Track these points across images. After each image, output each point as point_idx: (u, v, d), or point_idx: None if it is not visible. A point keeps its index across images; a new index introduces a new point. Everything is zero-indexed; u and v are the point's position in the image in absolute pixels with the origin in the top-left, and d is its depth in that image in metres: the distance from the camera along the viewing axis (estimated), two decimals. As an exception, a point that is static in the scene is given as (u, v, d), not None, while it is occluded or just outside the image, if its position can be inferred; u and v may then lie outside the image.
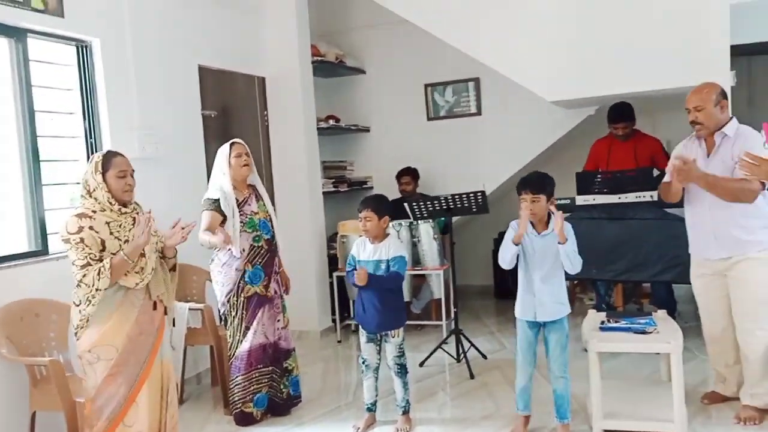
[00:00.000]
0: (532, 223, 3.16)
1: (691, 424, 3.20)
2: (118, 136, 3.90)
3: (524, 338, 3.21)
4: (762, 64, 5.58)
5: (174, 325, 3.13)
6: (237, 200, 3.58)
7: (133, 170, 2.84)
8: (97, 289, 2.65)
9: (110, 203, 2.75)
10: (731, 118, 3.29)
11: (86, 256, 2.66)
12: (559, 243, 3.04)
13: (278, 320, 3.71)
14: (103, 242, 2.70)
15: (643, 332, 3.20)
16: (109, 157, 2.80)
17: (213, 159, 4.71)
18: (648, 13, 4.39)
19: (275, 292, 3.71)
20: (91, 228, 2.68)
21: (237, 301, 3.59)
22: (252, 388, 3.61)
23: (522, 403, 3.28)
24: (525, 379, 3.23)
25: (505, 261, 3.18)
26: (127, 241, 2.76)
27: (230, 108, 5.06)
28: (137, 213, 2.87)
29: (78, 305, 2.71)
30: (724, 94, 3.28)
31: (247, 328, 3.59)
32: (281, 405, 3.72)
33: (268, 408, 3.68)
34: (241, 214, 3.56)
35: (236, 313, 3.59)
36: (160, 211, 4.19)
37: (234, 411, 3.62)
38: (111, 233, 2.73)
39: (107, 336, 2.70)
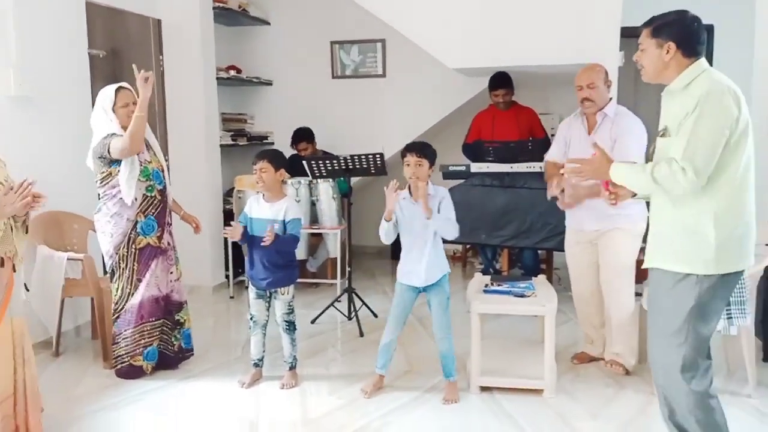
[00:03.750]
0: (409, 191, 3.23)
1: (560, 381, 3.42)
2: (-9, 70, 3.58)
3: (400, 300, 3.31)
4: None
5: (27, 290, 2.92)
6: None
7: None
8: None
9: None
10: (610, 99, 3.50)
11: None
12: (426, 218, 3.12)
13: (171, 272, 3.65)
14: None
15: (522, 296, 3.38)
16: None
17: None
18: (550, -10, 4.53)
19: (168, 244, 3.62)
20: None
21: (128, 252, 3.47)
22: (143, 341, 3.54)
23: (381, 360, 3.36)
24: (389, 337, 3.32)
25: (383, 236, 3.26)
26: None
27: (121, 49, 4.76)
28: None
29: None
30: (608, 75, 3.51)
31: (139, 281, 3.50)
32: (172, 358, 3.67)
33: (158, 361, 3.61)
34: None
35: (126, 265, 3.48)
36: (39, 153, 3.95)
37: (121, 365, 3.52)
38: None
39: None
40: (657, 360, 2.39)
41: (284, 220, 3.32)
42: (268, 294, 3.42)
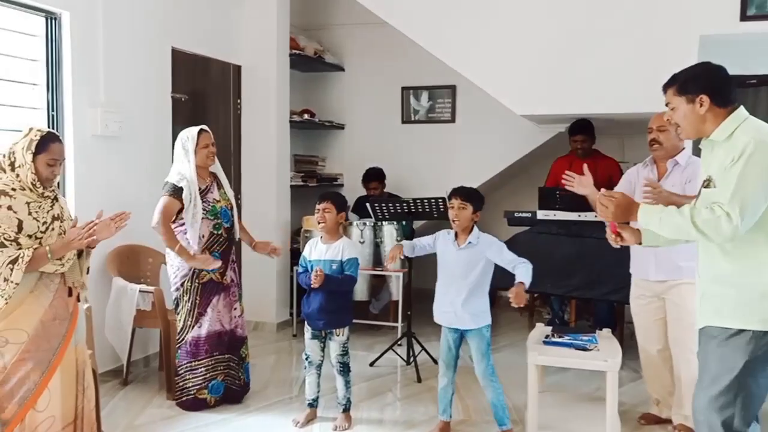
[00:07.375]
0: (456, 234, 3.22)
1: (623, 441, 3.25)
2: (80, 111, 3.86)
3: (444, 341, 3.29)
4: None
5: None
6: (199, 188, 3.57)
7: (65, 159, 2.73)
8: (5, 280, 2.51)
9: (33, 185, 2.60)
10: (684, 149, 3.37)
11: (0, 235, 2.53)
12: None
13: (235, 308, 3.74)
14: (20, 222, 2.57)
15: (584, 349, 3.25)
16: (47, 140, 2.62)
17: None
18: (621, 39, 4.44)
19: (232, 280, 3.72)
20: (9, 208, 2.54)
21: (191, 286, 3.59)
22: (208, 375, 3.63)
23: (441, 406, 3.33)
24: (443, 382, 3.30)
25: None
26: (45, 222, 2.64)
27: (202, 93, 5.03)
28: (56, 194, 2.75)
29: None
30: None
31: (201, 314, 3.59)
32: (238, 392, 3.77)
33: (223, 395, 3.69)
34: (203, 202, 3.57)
35: (189, 298, 3.59)
36: (118, 190, 4.18)
37: (186, 397, 3.61)
38: (29, 213, 2.60)
39: (18, 320, 2.58)
40: (701, 417, 2.24)
41: (341, 260, 3.35)
42: (323, 335, 3.45)
